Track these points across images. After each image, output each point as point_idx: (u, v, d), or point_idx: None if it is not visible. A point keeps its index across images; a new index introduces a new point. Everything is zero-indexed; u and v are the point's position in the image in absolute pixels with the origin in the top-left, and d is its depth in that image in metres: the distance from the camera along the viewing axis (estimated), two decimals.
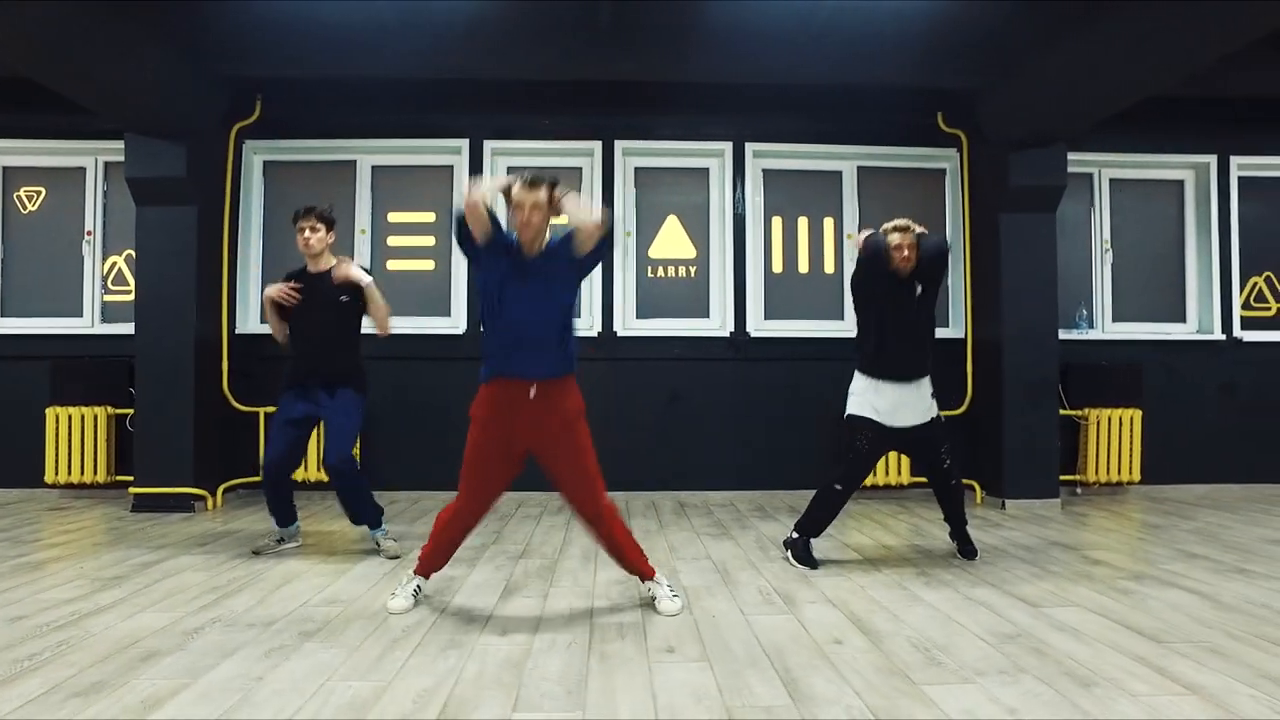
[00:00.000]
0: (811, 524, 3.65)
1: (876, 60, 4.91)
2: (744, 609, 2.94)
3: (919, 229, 3.52)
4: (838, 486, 3.58)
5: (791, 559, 3.64)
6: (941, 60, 4.93)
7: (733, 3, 4.47)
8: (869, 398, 3.55)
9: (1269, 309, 6.11)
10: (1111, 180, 6.04)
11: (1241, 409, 5.90)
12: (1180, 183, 6.10)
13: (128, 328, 5.54)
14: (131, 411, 5.38)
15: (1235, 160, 5.95)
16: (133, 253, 5.69)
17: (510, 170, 5.82)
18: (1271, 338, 5.97)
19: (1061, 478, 5.44)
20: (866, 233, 3.65)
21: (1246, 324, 6.00)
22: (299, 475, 5.36)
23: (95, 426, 5.32)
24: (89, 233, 5.68)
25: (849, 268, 5.87)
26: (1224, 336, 5.92)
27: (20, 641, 2.52)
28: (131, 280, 5.71)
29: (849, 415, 3.61)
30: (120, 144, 5.52)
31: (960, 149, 5.66)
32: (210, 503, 5.10)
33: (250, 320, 5.62)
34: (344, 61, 4.90)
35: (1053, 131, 4.96)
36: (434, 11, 4.61)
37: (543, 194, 2.68)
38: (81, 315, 5.67)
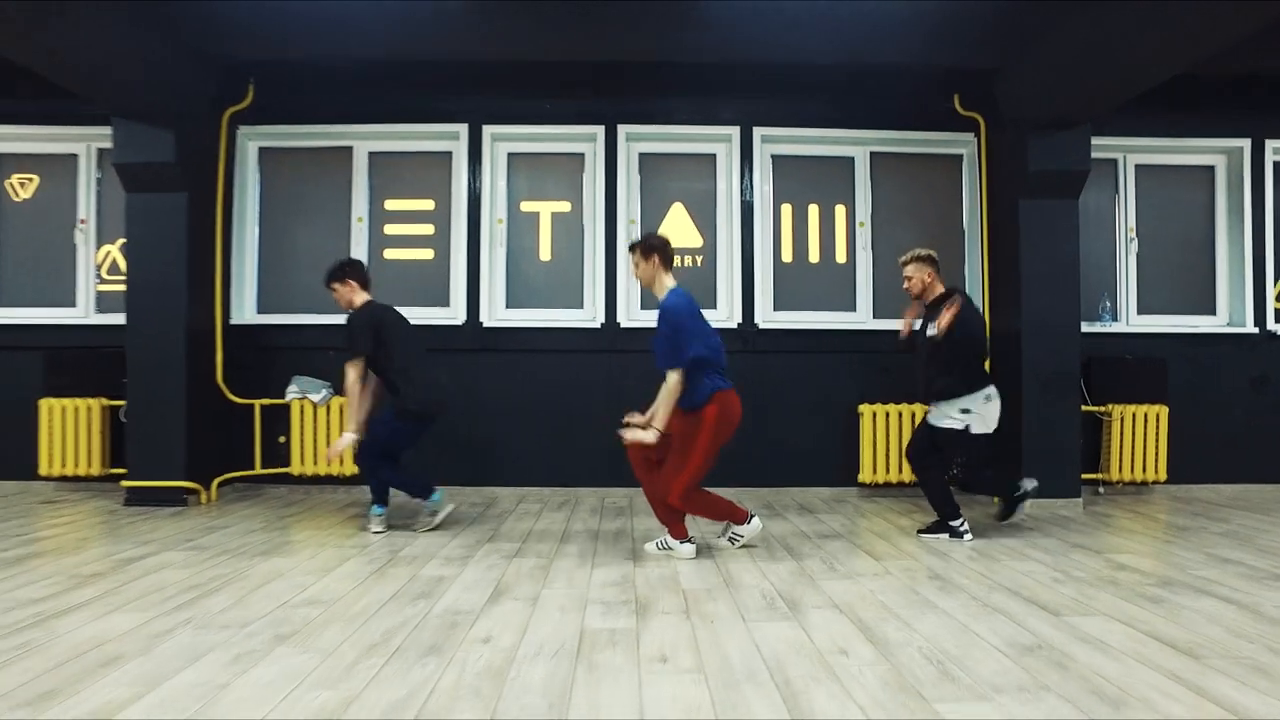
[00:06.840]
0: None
1: (886, 38, 4.72)
2: (745, 614, 2.77)
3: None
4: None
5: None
6: (954, 37, 4.73)
7: None
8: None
9: None
10: (1138, 166, 5.78)
11: (1273, 406, 5.65)
12: (1211, 168, 5.83)
13: (122, 318, 5.43)
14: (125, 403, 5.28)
15: (1270, 144, 5.68)
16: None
17: (511, 156, 5.66)
18: None
19: (1084, 476, 5.22)
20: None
21: None
22: (299, 469, 5.27)
23: (89, 418, 5.22)
24: (82, 221, 5.57)
25: (861, 256, 5.67)
26: (1256, 329, 5.66)
27: None
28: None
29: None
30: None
31: (978, 133, 5.44)
32: (204, 497, 4.98)
33: (247, 310, 5.50)
34: (333, 42, 4.75)
35: (1074, 113, 4.72)
36: None
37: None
38: (75, 305, 5.56)
